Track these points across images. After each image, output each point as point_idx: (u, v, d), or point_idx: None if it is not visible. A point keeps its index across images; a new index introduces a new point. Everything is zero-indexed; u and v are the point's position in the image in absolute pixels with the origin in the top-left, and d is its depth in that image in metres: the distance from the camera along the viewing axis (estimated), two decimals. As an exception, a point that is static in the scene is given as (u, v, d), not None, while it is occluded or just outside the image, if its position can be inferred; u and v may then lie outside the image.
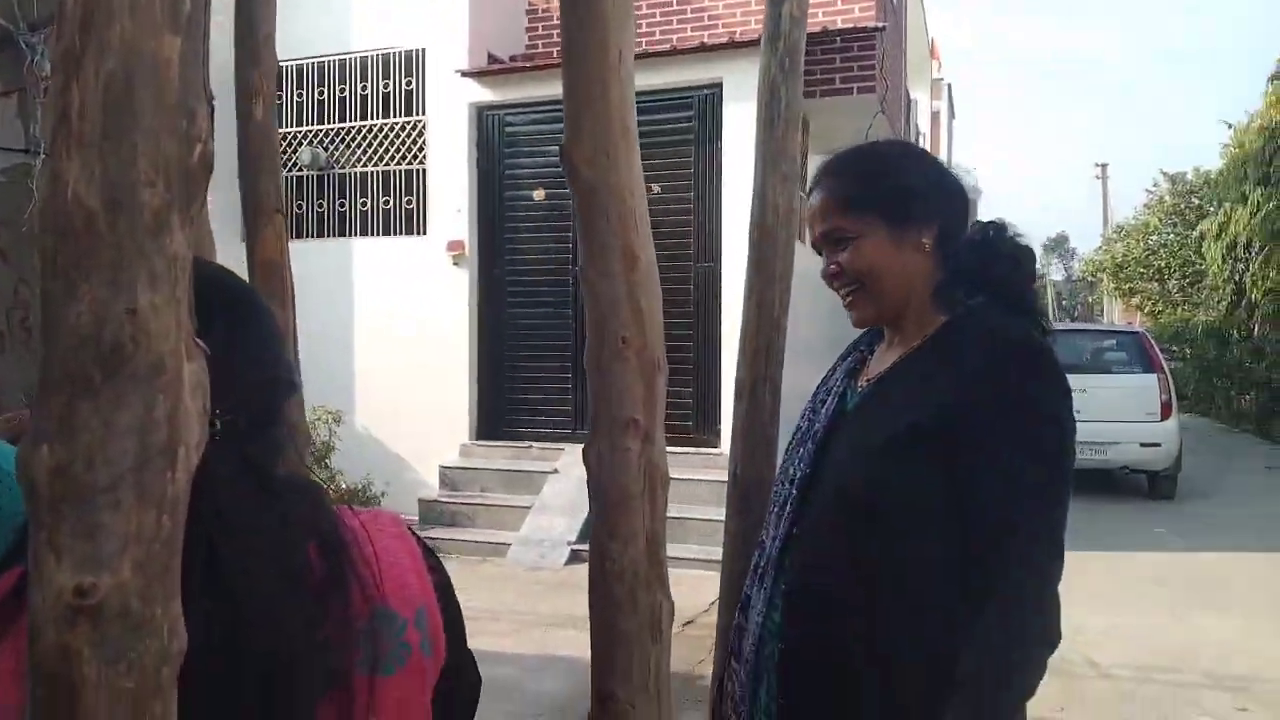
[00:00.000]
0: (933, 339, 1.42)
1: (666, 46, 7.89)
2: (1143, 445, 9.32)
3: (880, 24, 7.65)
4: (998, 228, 1.47)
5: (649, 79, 7.48)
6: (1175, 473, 9.61)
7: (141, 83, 0.66)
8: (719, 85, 7.44)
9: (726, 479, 2.08)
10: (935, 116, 20.11)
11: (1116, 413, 9.23)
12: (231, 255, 2.70)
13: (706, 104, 7.53)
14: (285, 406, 0.93)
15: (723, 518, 2.07)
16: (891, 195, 1.42)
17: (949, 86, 22.13)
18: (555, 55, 8.36)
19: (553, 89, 7.85)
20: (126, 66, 0.66)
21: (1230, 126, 16.61)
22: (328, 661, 0.81)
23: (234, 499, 0.80)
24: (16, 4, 1.65)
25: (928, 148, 19.29)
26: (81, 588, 0.65)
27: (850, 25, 7.66)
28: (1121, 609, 5.69)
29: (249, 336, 0.89)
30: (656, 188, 7.66)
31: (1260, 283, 14.23)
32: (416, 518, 7.71)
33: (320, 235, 8.70)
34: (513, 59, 8.60)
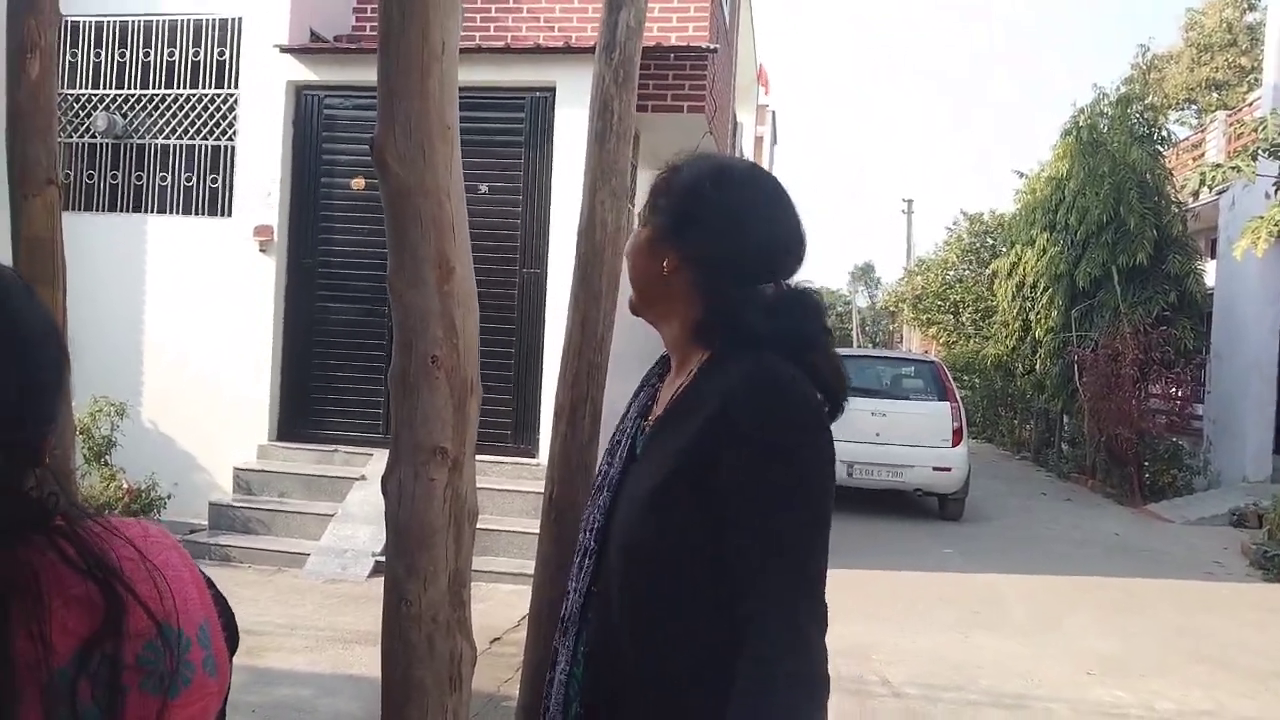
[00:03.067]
0: (698, 376, 1.35)
1: (500, 44, 7.72)
2: (935, 469, 9.86)
3: (713, 45, 7.75)
4: (789, 303, 1.34)
5: (480, 75, 7.29)
6: (964, 496, 10.23)
7: None
8: (552, 89, 7.34)
9: (542, 492, 1.98)
10: (759, 141, 20.75)
11: (912, 438, 9.75)
12: (5, 227, 2.38)
13: (538, 107, 7.42)
14: (25, 423, 0.79)
15: (536, 530, 1.93)
16: (666, 206, 1.37)
17: (773, 113, 22.90)
18: (384, 42, 8.03)
19: (380, 77, 7.52)
20: None
21: (1023, 175, 17.97)
22: (99, 689, 0.72)
23: None
24: None
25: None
26: None
27: (684, 44, 7.73)
28: (913, 628, 5.95)
29: None
30: (484, 188, 7.48)
31: (1043, 321, 15.39)
32: (206, 523, 7.20)
33: (112, 209, 8.01)
34: (337, 38, 8.22)
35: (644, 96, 7.80)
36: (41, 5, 2.26)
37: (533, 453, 7.34)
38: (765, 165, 23.12)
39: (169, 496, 7.21)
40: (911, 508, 10.53)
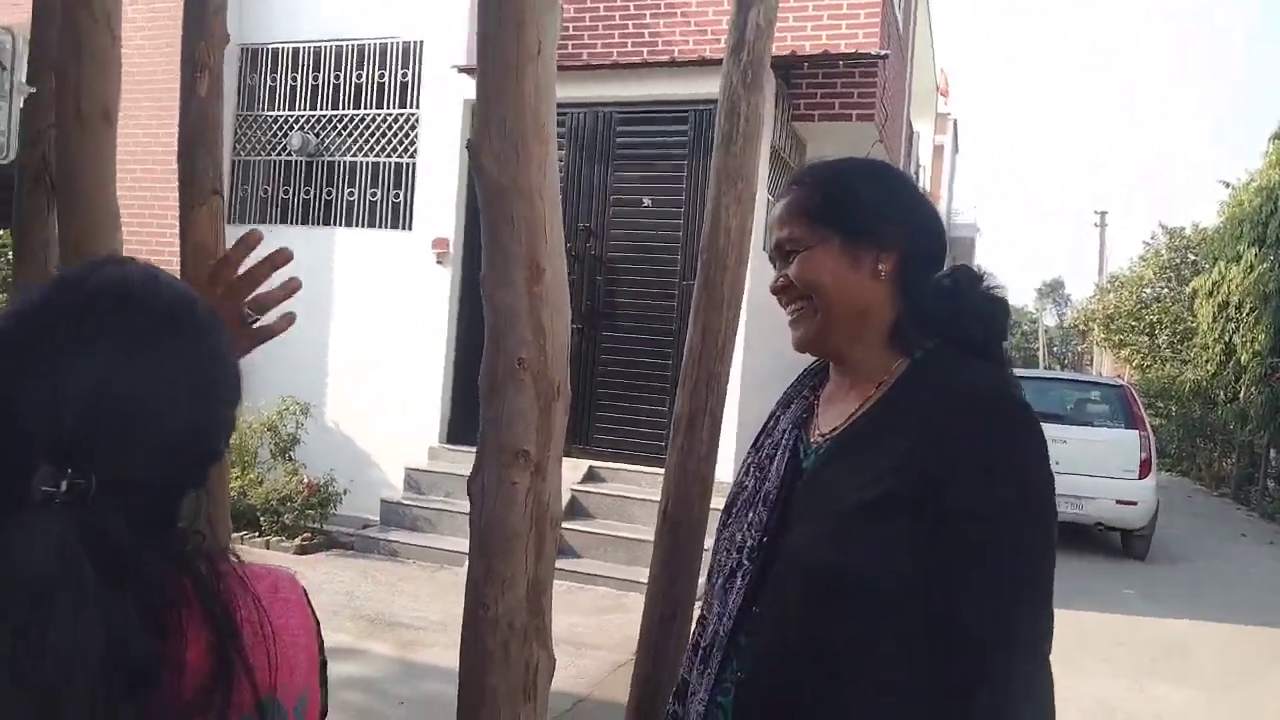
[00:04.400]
0: (897, 387, 1.27)
1: (665, 58, 7.78)
2: (1119, 502, 9.19)
3: (883, 51, 7.55)
4: (970, 276, 1.32)
5: (646, 90, 7.39)
6: (1150, 533, 9.48)
7: None
8: (715, 101, 7.32)
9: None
10: (938, 150, 20.10)
11: (1095, 467, 9.12)
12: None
13: (702, 118, 7.41)
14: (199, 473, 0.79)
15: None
16: (851, 210, 1.29)
17: (955, 121, 22.14)
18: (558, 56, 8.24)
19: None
20: None
21: (1229, 186, 16.62)
22: None
23: (58, 578, 0.65)
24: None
25: (928, 180, 19.30)
26: None
27: (853, 50, 7.56)
28: (1083, 673, 5.54)
29: (147, 372, 0.73)
30: (647, 201, 7.56)
31: (1249, 345, 14.17)
32: (378, 518, 7.55)
33: (305, 222, 8.55)
34: (512, 59, 8.48)
35: (811, 105, 7.70)
36: (213, 29, 2.41)
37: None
38: (945, 175, 22.27)
39: (345, 492, 7.61)
40: (1092, 543, 9.86)
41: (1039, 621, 1.14)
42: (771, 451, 1.39)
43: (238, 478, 7.24)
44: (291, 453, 7.72)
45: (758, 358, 6.67)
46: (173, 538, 0.76)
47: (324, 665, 0.86)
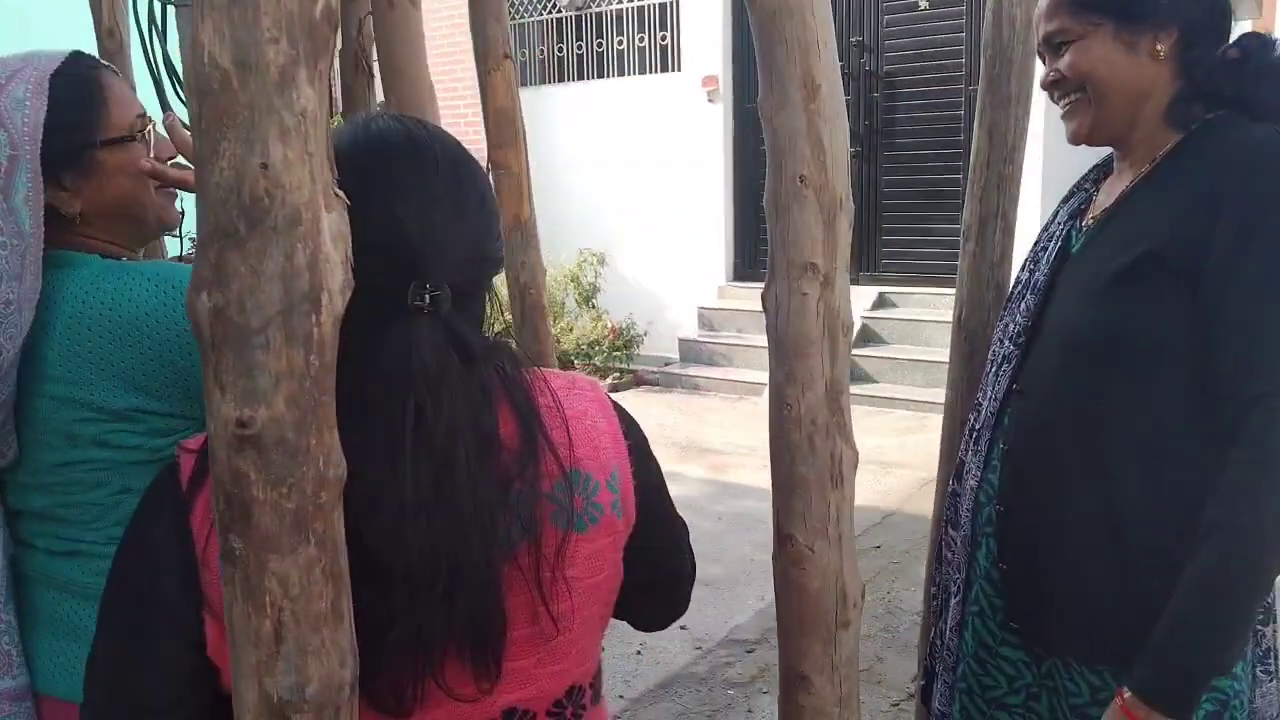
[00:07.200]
0: (1166, 158, 1.26)
1: None
2: None
3: None
4: (1261, 42, 1.24)
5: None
6: None
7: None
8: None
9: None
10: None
11: None
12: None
13: (981, -97, 6.75)
14: (490, 279, 0.96)
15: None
16: None
17: None
18: None
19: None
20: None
21: None
22: (521, 514, 0.87)
23: (439, 369, 0.84)
24: None
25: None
26: (242, 419, 0.72)
27: None
28: None
29: (463, 211, 0.90)
30: (924, 3, 7.08)
31: None
32: (677, 356, 7.95)
33: (581, 78, 8.80)
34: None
35: None
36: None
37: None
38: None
39: (645, 334, 8.05)
40: None
41: None
42: (1045, 243, 1.44)
43: (552, 328, 7.85)
44: (594, 301, 8.23)
45: (1058, 157, 6.19)
46: (482, 337, 0.92)
47: (636, 449, 0.98)
